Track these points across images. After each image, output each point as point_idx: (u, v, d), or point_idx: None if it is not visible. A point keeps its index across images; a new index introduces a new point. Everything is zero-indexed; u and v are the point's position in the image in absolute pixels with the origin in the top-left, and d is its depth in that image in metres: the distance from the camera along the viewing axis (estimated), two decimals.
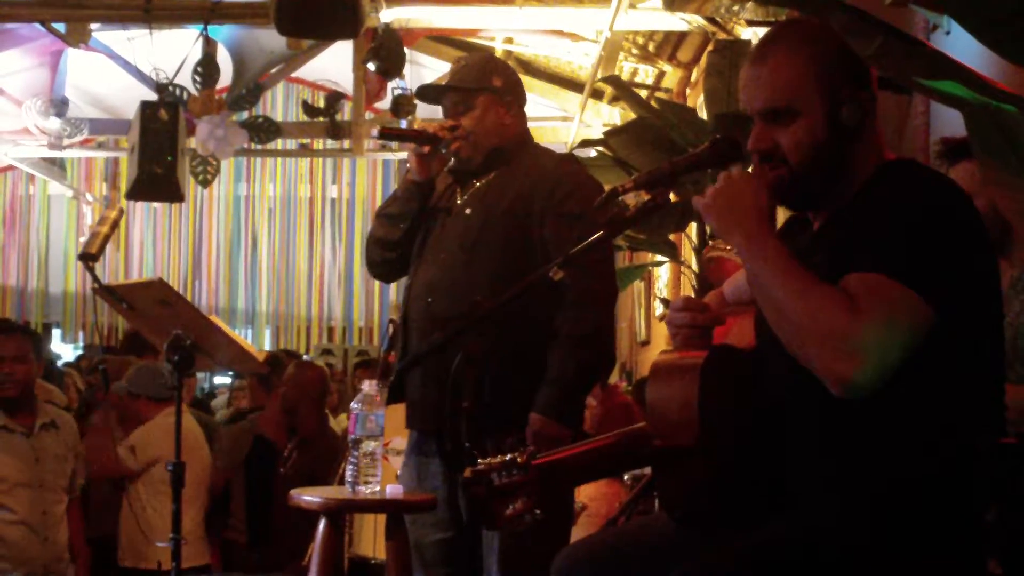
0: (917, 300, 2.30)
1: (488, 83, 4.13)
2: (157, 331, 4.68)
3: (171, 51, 9.39)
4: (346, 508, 4.29)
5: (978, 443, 2.38)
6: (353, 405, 3.91)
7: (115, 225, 4.67)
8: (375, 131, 4.29)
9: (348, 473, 3.89)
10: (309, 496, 3.94)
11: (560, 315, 3.91)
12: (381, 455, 3.94)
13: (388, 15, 8.61)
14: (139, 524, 6.59)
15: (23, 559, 5.77)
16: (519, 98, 4.24)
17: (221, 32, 9.48)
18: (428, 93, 4.27)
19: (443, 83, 4.19)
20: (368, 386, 3.90)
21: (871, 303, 2.29)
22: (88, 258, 4.52)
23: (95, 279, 4.58)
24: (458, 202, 4.14)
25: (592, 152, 6.92)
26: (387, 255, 4.27)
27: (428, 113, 9.90)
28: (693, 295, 6.41)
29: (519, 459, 2.57)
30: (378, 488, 3.87)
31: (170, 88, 9.38)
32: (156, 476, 6.54)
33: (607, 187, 3.89)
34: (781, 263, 2.40)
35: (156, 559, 6.44)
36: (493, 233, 4.01)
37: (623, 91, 7.14)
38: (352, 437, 3.87)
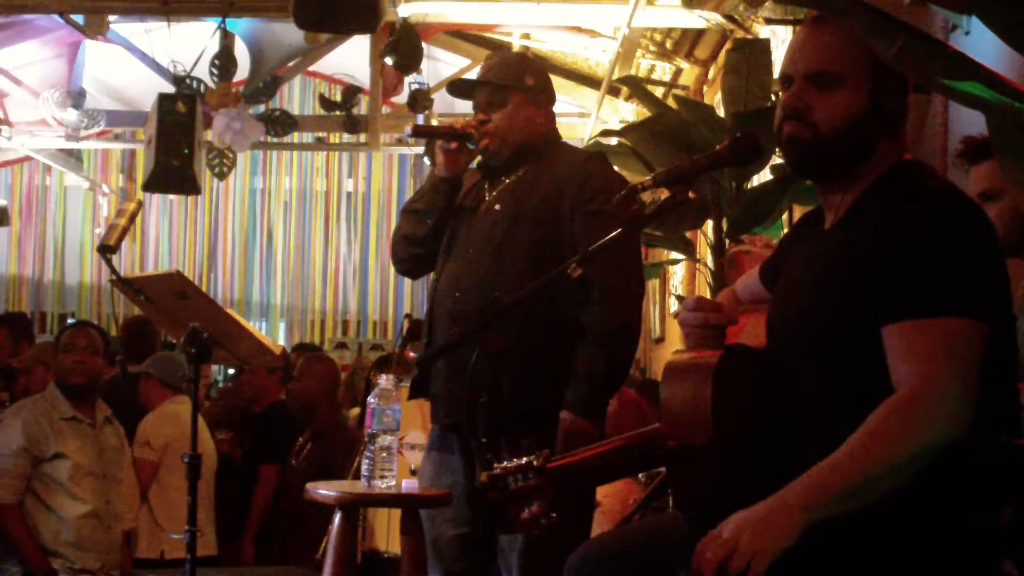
0: (965, 324, 2.33)
1: (521, 81, 4.15)
2: (174, 323, 4.69)
3: (189, 44, 9.40)
4: (362, 502, 4.30)
5: (993, 444, 2.38)
6: (370, 399, 3.92)
7: (133, 218, 4.68)
8: (408, 129, 4.30)
9: (364, 467, 3.90)
10: (324, 490, 3.94)
11: (587, 312, 3.91)
12: (397, 449, 3.95)
13: (406, 10, 8.62)
14: (152, 514, 6.64)
15: (90, 547, 5.93)
16: (550, 98, 4.26)
17: (239, 25, 9.50)
18: (461, 87, 4.29)
19: (477, 78, 4.22)
20: (385, 380, 3.91)
21: (930, 356, 2.32)
22: (106, 250, 4.53)
23: (113, 271, 4.60)
24: (487, 199, 4.15)
25: (613, 140, 6.91)
26: (414, 251, 4.29)
27: (445, 108, 9.94)
28: (709, 293, 6.41)
29: (535, 462, 2.57)
30: (394, 483, 3.87)
31: (187, 81, 9.40)
32: (163, 465, 6.62)
33: (629, 179, 3.91)
34: (838, 480, 2.32)
35: (159, 548, 6.52)
36: (522, 229, 4.02)
37: (639, 92, 7.13)
38: (369, 431, 3.88)
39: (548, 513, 2.56)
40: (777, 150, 5.69)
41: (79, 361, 6.03)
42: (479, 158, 4.21)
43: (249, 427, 7.71)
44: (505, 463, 2.59)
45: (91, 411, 6.09)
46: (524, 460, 2.58)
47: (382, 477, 3.85)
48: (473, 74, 4.33)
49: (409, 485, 3.95)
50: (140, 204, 4.74)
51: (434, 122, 9.58)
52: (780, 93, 2.66)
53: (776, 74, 5.99)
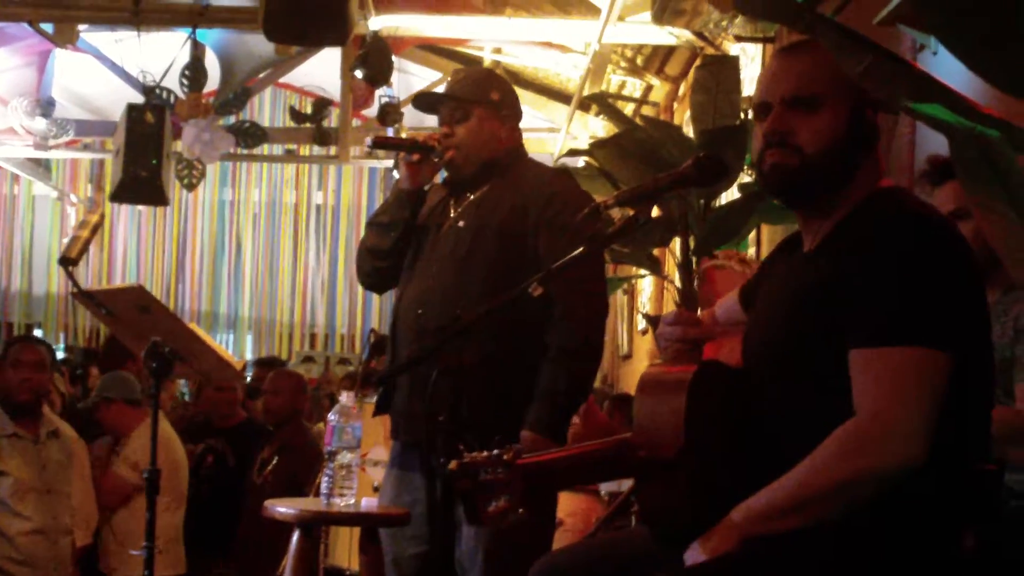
0: (924, 354, 2.32)
1: (486, 96, 4.12)
2: (136, 337, 4.66)
3: (159, 53, 9.36)
4: (320, 521, 4.26)
5: (957, 471, 2.37)
6: (330, 416, 3.89)
7: (96, 230, 4.66)
8: (369, 140, 4.26)
9: (323, 485, 3.87)
10: (284, 508, 3.91)
11: (550, 330, 3.89)
12: (358, 467, 3.92)
13: (377, 23, 8.60)
14: (114, 533, 6.59)
15: (36, 564, 5.87)
16: (515, 113, 4.24)
17: (209, 36, 9.46)
18: (425, 101, 4.27)
19: (441, 92, 4.20)
20: (346, 397, 3.88)
21: (881, 386, 2.32)
22: (68, 262, 4.51)
23: (75, 284, 4.57)
24: (451, 215, 4.13)
25: (580, 162, 6.92)
26: (378, 264, 4.26)
27: (415, 121, 9.93)
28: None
29: (505, 457, 2.55)
30: (353, 501, 3.84)
31: (157, 91, 9.36)
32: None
33: (596, 198, 3.88)
34: (773, 498, 2.38)
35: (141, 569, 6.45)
36: (486, 245, 4.00)
37: (607, 109, 7.13)
38: (328, 449, 3.85)
39: (515, 509, 2.55)
40: (746, 167, 5.72)
41: (26, 379, 5.92)
42: (445, 174, 4.19)
43: (210, 439, 7.66)
44: (475, 453, 2.57)
45: (34, 426, 5.99)
46: (495, 452, 2.56)
47: (341, 495, 3.81)
48: (442, 88, 4.31)
49: (368, 503, 3.92)
50: (102, 216, 4.72)
51: (403, 135, 9.56)
52: (755, 123, 2.64)
53: (745, 92, 5.99)
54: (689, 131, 6.42)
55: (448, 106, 4.14)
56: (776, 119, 2.57)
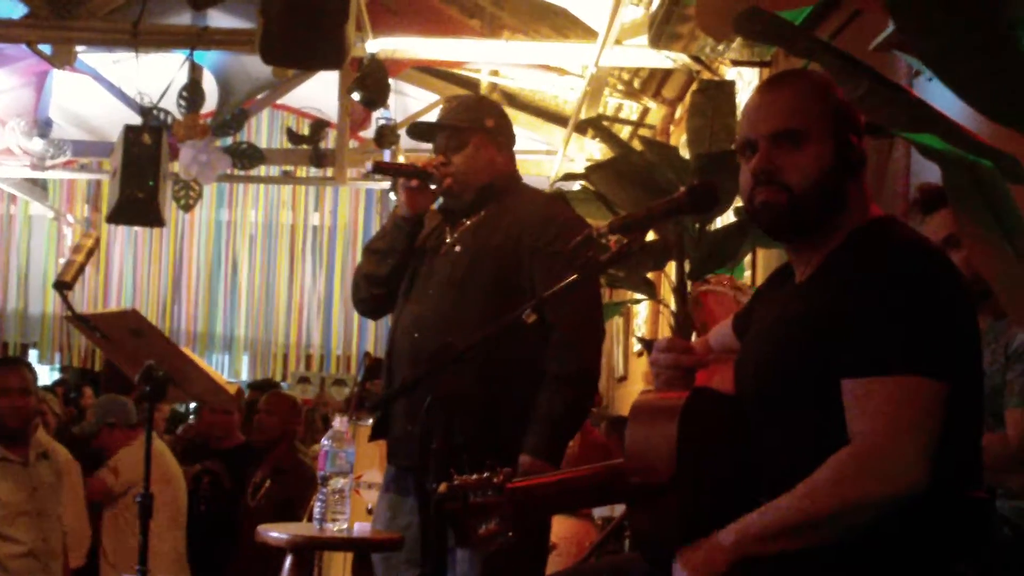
0: (921, 383, 2.33)
1: (481, 123, 4.13)
2: (130, 361, 4.66)
3: (156, 75, 9.37)
4: (313, 546, 4.26)
5: (955, 497, 2.37)
6: (324, 441, 3.88)
7: (90, 253, 4.65)
8: (369, 164, 4.25)
9: (316, 510, 3.86)
10: (276, 532, 3.90)
11: (547, 356, 3.89)
12: (351, 491, 3.91)
13: (374, 45, 8.61)
14: (107, 556, 6.60)
15: None
16: (509, 139, 4.25)
17: (207, 57, 9.47)
18: (419, 129, 4.27)
19: (436, 121, 4.19)
20: (339, 422, 3.88)
21: (879, 415, 2.33)
22: (63, 286, 4.50)
23: (69, 308, 4.56)
24: (447, 240, 4.13)
25: (575, 185, 6.92)
26: (375, 291, 4.26)
27: (412, 144, 9.93)
28: (671, 334, 6.39)
29: (495, 480, 2.55)
30: (346, 526, 3.84)
31: (154, 112, 9.36)
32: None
33: (590, 222, 3.87)
34: (766, 522, 2.39)
35: None
36: (482, 270, 4.00)
37: (603, 134, 7.13)
38: (321, 473, 3.84)
39: (505, 532, 2.54)
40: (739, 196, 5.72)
41: (14, 406, 5.83)
42: (440, 199, 4.19)
43: (207, 461, 7.66)
44: (465, 476, 2.57)
45: (23, 449, 5.93)
46: (485, 475, 2.55)
47: (334, 520, 3.81)
48: (436, 116, 4.31)
49: (361, 528, 3.91)
50: (97, 240, 4.71)
51: (400, 158, 9.57)
52: (740, 160, 2.65)
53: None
54: (686, 154, 6.43)
55: (443, 135, 4.15)
56: (763, 157, 2.57)
